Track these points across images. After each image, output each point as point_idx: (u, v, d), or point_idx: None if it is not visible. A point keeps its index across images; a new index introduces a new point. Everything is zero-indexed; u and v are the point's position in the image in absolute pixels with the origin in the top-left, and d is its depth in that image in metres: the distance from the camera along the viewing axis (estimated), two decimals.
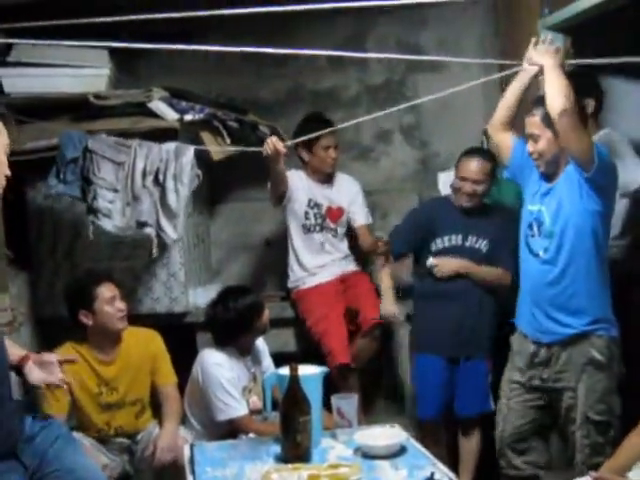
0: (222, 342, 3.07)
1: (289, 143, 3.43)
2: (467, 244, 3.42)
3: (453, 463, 3.50)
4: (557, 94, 2.53)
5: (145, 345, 3.13)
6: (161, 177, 3.34)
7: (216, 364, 3.00)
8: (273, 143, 3.27)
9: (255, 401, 3.11)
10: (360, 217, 3.87)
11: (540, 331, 2.73)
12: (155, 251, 3.41)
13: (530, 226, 2.75)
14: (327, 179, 3.82)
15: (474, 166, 3.31)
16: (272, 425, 2.88)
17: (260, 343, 3.22)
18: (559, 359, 2.70)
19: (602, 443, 2.63)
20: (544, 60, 2.63)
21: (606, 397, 2.65)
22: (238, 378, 3.04)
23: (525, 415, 2.81)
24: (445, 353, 3.42)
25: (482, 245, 3.42)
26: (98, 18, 2.43)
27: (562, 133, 2.56)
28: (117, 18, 2.41)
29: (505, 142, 2.88)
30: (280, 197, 3.68)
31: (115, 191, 3.36)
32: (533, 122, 2.68)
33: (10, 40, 3.06)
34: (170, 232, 3.37)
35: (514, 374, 2.84)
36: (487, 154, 3.38)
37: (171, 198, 3.34)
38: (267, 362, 3.24)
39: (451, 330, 3.40)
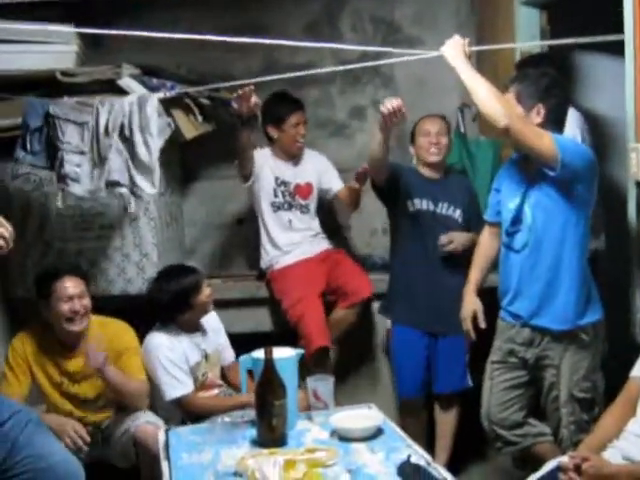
0: (163, 322, 3.08)
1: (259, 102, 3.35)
2: (439, 211, 3.41)
3: (430, 439, 3.52)
4: (485, 103, 2.49)
5: (113, 340, 2.99)
6: (127, 132, 3.19)
7: (156, 345, 3.01)
8: (247, 92, 3.19)
9: (211, 377, 3.13)
10: (337, 182, 3.83)
11: (528, 316, 2.71)
12: (132, 208, 3.28)
13: (511, 223, 2.72)
14: (293, 156, 3.76)
15: (433, 120, 3.43)
16: (218, 398, 3.02)
17: (214, 321, 3.23)
18: (543, 340, 2.69)
19: (587, 420, 2.64)
20: (445, 50, 2.63)
21: (590, 375, 2.66)
22: (185, 356, 3.04)
23: (508, 393, 2.79)
24: (424, 327, 3.40)
25: (457, 215, 3.42)
26: None
27: (513, 141, 2.58)
28: None
29: (498, 229, 2.90)
30: (248, 175, 3.64)
31: (82, 153, 3.22)
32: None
33: None
34: (147, 187, 3.19)
35: (495, 355, 2.84)
36: (441, 116, 3.48)
37: (141, 152, 3.17)
38: (222, 340, 3.25)
39: (431, 303, 3.37)
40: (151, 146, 3.18)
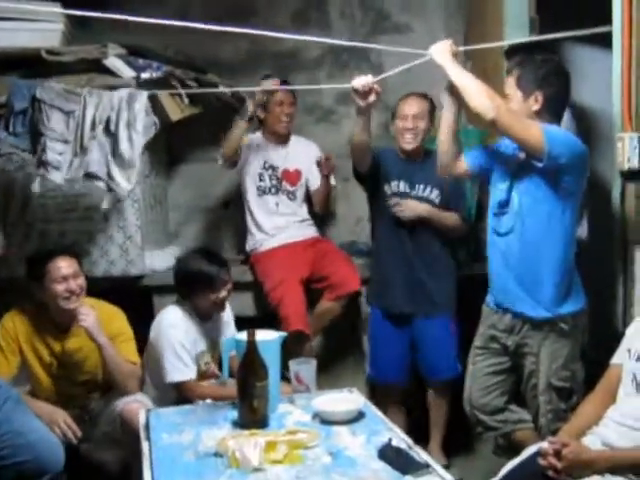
0: (181, 296, 3.07)
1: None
2: (414, 193, 3.37)
3: (424, 424, 3.50)
4: (473, 98, 2.50)
5: (103, 324, 2.91)
6: (112, 127, 3.18)
7: (170, 325, 2.97)
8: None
9: (213, 367, 3.10)
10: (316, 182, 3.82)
11: (510, 302, 2.72)
12: (105, 204, 3.26)
13: (499, 204, 2.71)
14: (283, 140, 3.77)
15: (412, 102, 3.35)
16: (217, 387, 2.97)
17: (227, 316, 3.20)
18: (523, 327, 2.70)
19: (565, 409, 2.64)
20: (432, 50, 2.62)
21: (569, 364, 2.66)
22: (194, 342, 3.01)
23: (490, 379, 2.81)
24: (401, 310, 3.38)
25: (433, 195, 3.38)
26: None
27: (501, 133, 2.58)
28: None
29: (462, 170, 2.86)
30: (235, 161, 3.67)
31: (65, 142, 3.20)
32: (508, 82, 2.68)
33: None
34: (123, 183, 3.18)
35: (478, 340, 2.85)
36: (424, 95, 3.40)
37: (124, 147, 3.17)
38: (230, 331, 3.20)
39: (408, 286, 3.35)
40: (135, 143, 3.19)
